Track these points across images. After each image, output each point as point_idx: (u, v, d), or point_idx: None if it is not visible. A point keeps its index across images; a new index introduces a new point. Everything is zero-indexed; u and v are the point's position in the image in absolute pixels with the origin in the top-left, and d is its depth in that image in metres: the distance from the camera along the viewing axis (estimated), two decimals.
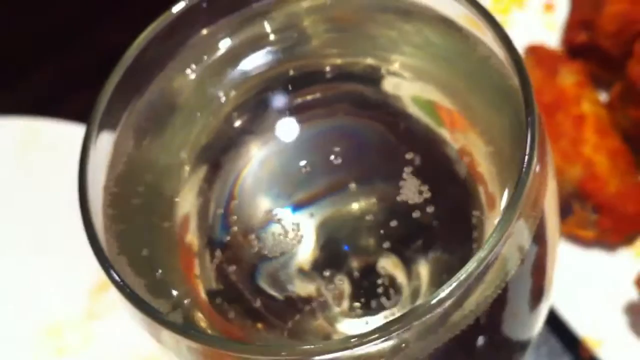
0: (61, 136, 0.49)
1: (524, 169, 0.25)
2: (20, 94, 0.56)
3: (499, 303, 0.26)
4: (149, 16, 0.28)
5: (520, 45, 0.50)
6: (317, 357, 0.23)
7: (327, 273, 0.29)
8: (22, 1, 0.59)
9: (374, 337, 0.23)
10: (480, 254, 0.24)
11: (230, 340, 0.23)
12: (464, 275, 0.24)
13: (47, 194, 0.49)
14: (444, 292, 0.23)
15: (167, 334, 0.24)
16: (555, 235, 0.30)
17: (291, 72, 0.31)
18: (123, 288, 0.24)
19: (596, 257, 0.47)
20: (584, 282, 0.46)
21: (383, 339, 0.23)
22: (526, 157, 0.25)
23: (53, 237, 0.47)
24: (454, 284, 0.23)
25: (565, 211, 0.47)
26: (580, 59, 0.50)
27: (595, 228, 0.47)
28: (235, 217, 0.30)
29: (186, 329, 0.23)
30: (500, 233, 0.24)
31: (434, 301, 0.23)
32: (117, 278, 0.24)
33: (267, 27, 0.31)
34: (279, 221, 0.29)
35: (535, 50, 0.50)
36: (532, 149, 0.25)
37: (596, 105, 0.48)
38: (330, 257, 0.29)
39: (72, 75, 0.55)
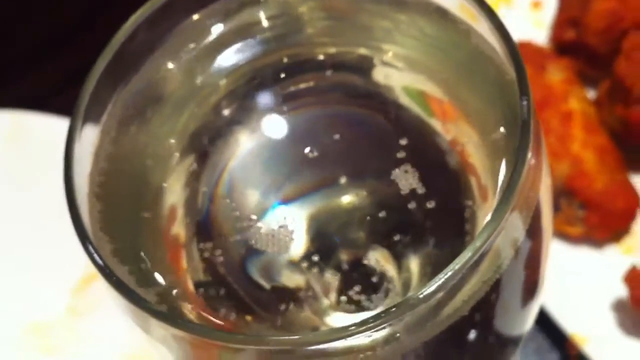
0: (48, 130, 0.48)
1: (519, 158, 0.24)
2: (17, 93, 0.55)
3: (491, 296, 0.26)
4: None
5: None
6: (305, 348, 0.23)
7: (317, 266, 0.29)
8: (21, 1, 0.58)
9: (365, 327, 0.22)
10: (476, 243, 0.23)
11: (218, 330, 0.23)
12: (458, 265, 0.23)
13: (30, 190, 0.48)
14: (438, 282, 0.23)
15: (155, 324, 0.23)
16: (549, 229, 0.30)
17: (283, 61, 0.30)
18: (110, 277, 0.23)
19: (584, 253, 0.47)
20: (572, 279, 0.46)
21: (375, 329, 0.23)
22: (521, 146, 0.25)
23: (34, 235, 0.46)
24: (449, 273, 0.23)
25: (552, 207, 0.47)
26: (568, 56, 0.50)
27: (582, 225, 0.47)
28: (223, 209, 0.29)
29: (174, 317, 0.23)
30: (496, 222, 0.24)
31: (428, 291, 0.23)
32: (103, 265, 0.23)
33: (260, 14, 0.30)
34: (268, 213, 0.29)
35: (523, 47, 0.50)
36: (527, 137, 0.25)
37: (584, 102, 0.48)
38: (320, 250, 0.29)
39: (70, 74, 0.55)
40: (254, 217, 0.29)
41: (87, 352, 0.44)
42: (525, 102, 0.25)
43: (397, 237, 0.29)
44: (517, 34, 0.51)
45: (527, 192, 0.25)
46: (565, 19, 0.50)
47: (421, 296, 0.23)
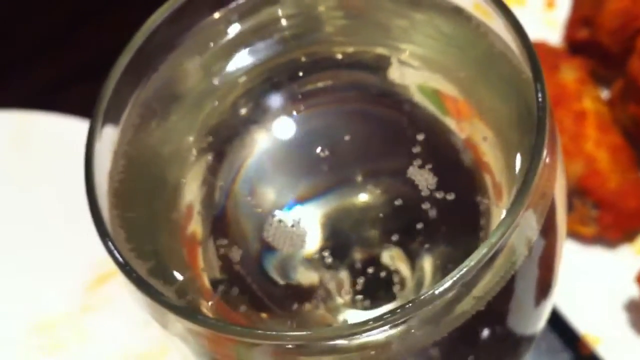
0: (55, 130, 0.49)
1: (534, 156, 0.24)
2: (18, 92, 0.56)
3: (505, 294, 0.26)
4: (147, 14, 0.28)
5: None
6: (322, 343, 0.23)
7: (331, 264, 0.29)
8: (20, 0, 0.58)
9: (381, 323, 0.23)
10: (491, 240, 0.23)
11: (236, 325, 0.23)
12: (473, 262, 0.23)
13: (39, 189, 0.48)
14: (454, 278, 0.23)
15: (173, 319, 0.23)
16: (563, 227, 0.30)
17: (301, 59, 0.30)
18: (130, 273, 0.23)
19: (597, 253, 0.47)
20: (584, 279, 0.46)
21: (392, 324, 0.23)
22: (537, 144, 0.25)
23: (47, 232, 0.47)
24: (464, 270, 0.23)
25: (566, 208, 0.47)
26: (581, 55, 0.49)
27: (595, 224, 0.47)
28: (240, 206, 0.29)
29: (193, 313, 0.23)
30: (511, 219, 0.24)
31: (443, 287, 0.23)
32: (123, 262, 0.24)
33: (279, 12, 0.30)
34: (284, 211, 0.29)
35: (536, 47, 0.50)
36: (542, 135, 0.25)
37: (597, 101, 0.48)
38: (335, 249, 0.29)
39: (71, 73, 0.55)
40: (270, 215, 0.29)
41: (95, 351, 0.44)
42: (541, 100, 0.25)
43: (411, 236, 0.29)
44: (530, 34, 0.51)
45: (542, 190, 0.25)
46: (579, 19, 0.50)
47: (436, 292, 0.23)
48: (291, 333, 0.22)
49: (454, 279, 0.23)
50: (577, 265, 0.47)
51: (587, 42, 0.50)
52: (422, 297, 0.23)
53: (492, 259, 0.24)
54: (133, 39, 0.27)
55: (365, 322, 0.22)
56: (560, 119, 0.48)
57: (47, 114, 0.49)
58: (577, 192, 0.47)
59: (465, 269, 0.23)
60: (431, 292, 0.23)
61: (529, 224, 0.26)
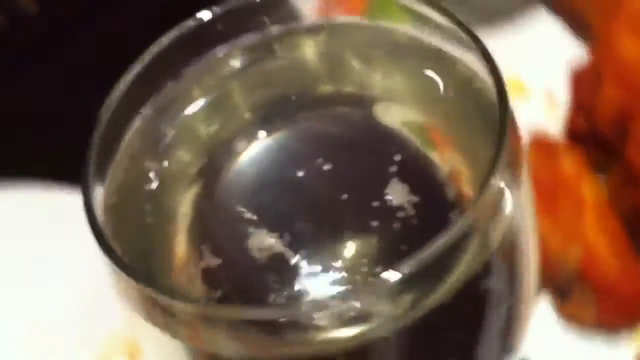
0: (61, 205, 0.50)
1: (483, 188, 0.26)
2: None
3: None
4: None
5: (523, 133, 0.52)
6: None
7: (311, 294, 0.29)
8: None
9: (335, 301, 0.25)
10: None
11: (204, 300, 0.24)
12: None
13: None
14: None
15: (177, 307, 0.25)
16: (529, 284, 0.30)
17: (289, 98, 0.33)
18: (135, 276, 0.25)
19: (596, 342, 0.47)
20: None
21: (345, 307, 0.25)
22: (490, 173, 0.26)
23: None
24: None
25: (565, 294, 0.47)
26: (580, 144, 0.51)
27: (595, 311, 0.47)
28: (229, 230, 0.31)
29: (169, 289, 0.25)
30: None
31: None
32: (118, 259, 0.26)
33: (267, 56, 0.33)
34: (273, 235, 0.30)
35: (535, 137, 0.51)
36: (495, 166, 0.26)
37: (596, 189, 0.49)
38: (316, 278, 0.30)
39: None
40: (259, 237, 0.30)
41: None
42: (501, 136, 0.27)
43: (391, 271, 0.29)
44: (530, 123, 0.52)
45: (487, 222, 0.27)
46: (577, 108, 0.52)
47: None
48: (246, 307, 0.23)
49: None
50: (575, 353, 0.46)
51: (585, 131, 0.51)
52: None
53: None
54: (137, 62, 0.29)
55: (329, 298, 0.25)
56: (559, 207, 0.48)
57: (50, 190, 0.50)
58: (577, 279, 0.47)
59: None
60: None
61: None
